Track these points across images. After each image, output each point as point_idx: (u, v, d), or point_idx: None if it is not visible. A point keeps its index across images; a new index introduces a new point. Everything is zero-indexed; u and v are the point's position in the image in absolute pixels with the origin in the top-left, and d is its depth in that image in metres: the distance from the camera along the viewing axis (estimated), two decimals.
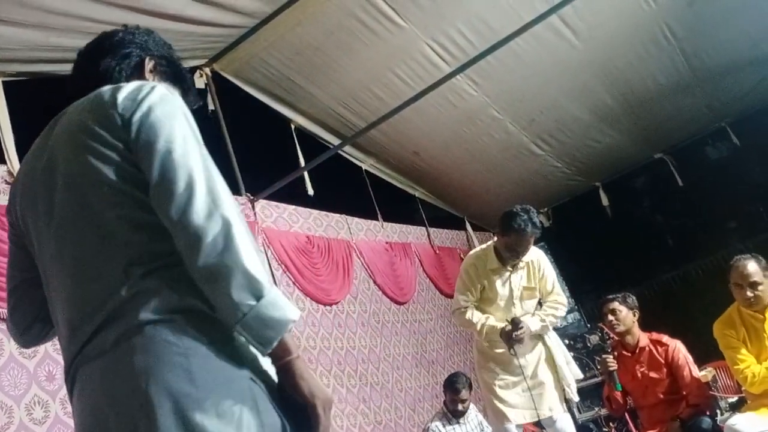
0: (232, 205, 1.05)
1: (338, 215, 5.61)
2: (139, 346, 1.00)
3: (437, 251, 6.57)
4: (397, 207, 6.18)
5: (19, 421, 2.75)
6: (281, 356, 1.04)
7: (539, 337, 3.39)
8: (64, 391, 2.78)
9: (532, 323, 3.31)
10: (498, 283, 3.41)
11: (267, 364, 1.08)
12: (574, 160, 6.38)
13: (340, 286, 5.17)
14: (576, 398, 3.41)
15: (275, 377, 1.08)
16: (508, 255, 3.37)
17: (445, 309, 6.13)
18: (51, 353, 2.94)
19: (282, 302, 1.02)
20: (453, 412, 4.14)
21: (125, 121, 1.11)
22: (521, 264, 3.43)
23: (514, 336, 3.21)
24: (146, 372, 0.98)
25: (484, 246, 3.64)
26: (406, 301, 5.90)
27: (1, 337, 2.83)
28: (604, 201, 6.82)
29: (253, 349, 1.05)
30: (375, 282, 5.64)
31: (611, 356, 3.76)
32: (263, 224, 4.73)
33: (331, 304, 5.02)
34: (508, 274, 3.43)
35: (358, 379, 4.92)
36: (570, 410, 3.35)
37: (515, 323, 3.25)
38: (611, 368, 3.73)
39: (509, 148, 5.96)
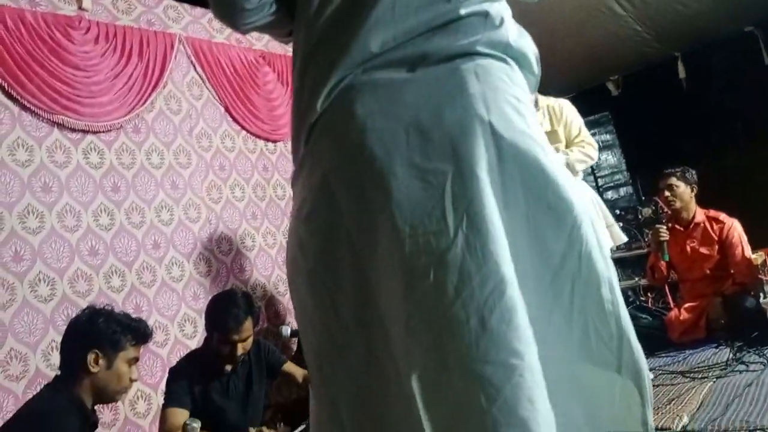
0: None
1: None
2: (468, 72, 0.93)
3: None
4: None
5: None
6: None
7: None
8: (107, 265, 2.91)
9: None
10: None
11: None
12: (655, 25, 5.89)
13: None
14: (620, 241, 3.23)
15: None
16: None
17: None
18: (93, 228, 3.00)
19: None
20: None
21: None
22: (537, 109, 3.20)
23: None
24: (484, 99, 0.91)
25: None
26: None
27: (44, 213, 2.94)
28: (681, 73, 6.38)
29: None
30: None
31: (665, 227, 3.74)
32: None
33: None
34: None
35: None
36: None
37: None
38: (663, 238, 3.71)
39: (586, 5, 5.53)
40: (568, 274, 0.89)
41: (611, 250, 3.23)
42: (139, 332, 1.96)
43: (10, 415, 1.99)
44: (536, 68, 1.04)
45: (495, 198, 0.87)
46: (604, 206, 3.22)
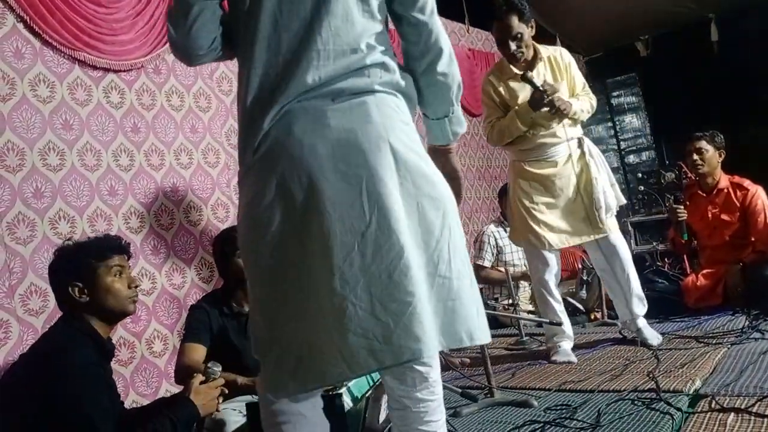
0: None
1: None
2: (373, 104, 1.30)
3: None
4: (486, 12, 5.77)
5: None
6: (448, 145, 1.50)
7: (581, 155, 2.95)
8: (126, 206, 2.93)
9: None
10: (518, 87, 2.96)
11: None
12: None
13: None
14: (621, 202, 3.03)
15: None
16: (506, 53, 2.93)
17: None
18: (113, 168, 3.03)
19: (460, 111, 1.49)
20: (507, 218, 4.21)
21: None
22: (538, 60, 2.95)
23: (546, 100, 2.77)
24: (383, 124, 1.28)
25: (497, 61, 3.17)
26: (480, 114, 5.75)
27: (90, 84, 2.92)
28: (714, 36, 6.19)
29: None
30: None
31: (682, 206, 3.69)
32: None
33: None
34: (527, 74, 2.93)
35: None
36: (624, 233, 3.13)
37: (526, 78, 2.84)
38: (680, 218, 3.67)
39: None
40: (445, 238, 1.31)
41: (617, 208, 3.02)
42: (102, 247, 1.93)
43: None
44: (415, 100, 1.44)
45: (396, 192, 1.25)
46: (608, 167, 3.05)
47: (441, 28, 1.40)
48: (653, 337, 2.94)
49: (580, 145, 2.98)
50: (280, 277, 1.30)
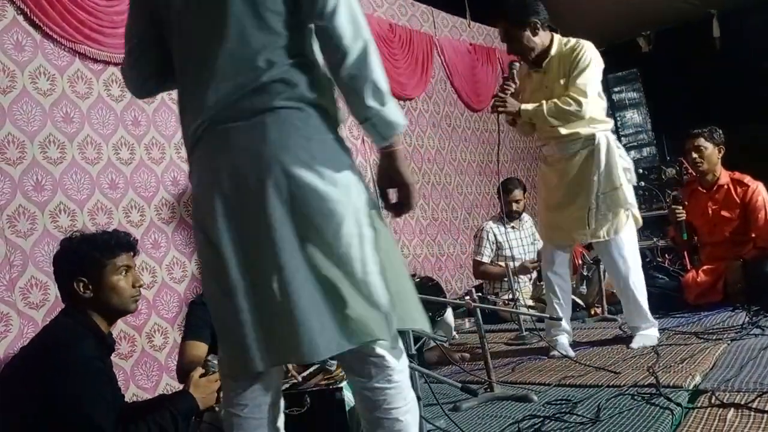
0: (367, 26, 1.33)
1: (424, 6, 5.31)
2: (272, 123, 1.31)
3: (508, 61, 6.25)
4: (486, 6, 5.75)
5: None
6: (389, 147, 1.37)
7: (589, 151, 2.83)
8: (126, 199, 2.94)
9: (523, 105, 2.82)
10: (526, 80, 2.99)
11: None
12: None
13: (417, 82, 5.04)
14: (625, 205, 2.86)
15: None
16: (512, 52, 2.94)
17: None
18: (113, 161, 3.02)
19: (398, 110, 1.35)
20: (508, 214, 4.23)
21: None
22: (548, 56, 2.88)
23: (499, 91, 2.84)
24: (280, 143, 1.30)
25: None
26: (481, 109, 5.75)
27: (91, 77, 2.92)
28: (716, 32, 6.18)
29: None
30: (452, 84, 5.48)
31: (680, 207, 3.69)
32: None
33: (405, 99, 4.94)
34: (538, 76, 2.94)
35: (421, 177, 5.00)
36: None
37: (510, 69, 2.91)
38: (679, 218, 3.68)
39: None
40: (351, 247, 1.32)
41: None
42: (111, 243, 1.92)
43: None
44: (334, 109, 1.42)
45: (283, 208, 1.29)
46: (622, 160, 2.95)
47: (347, 29, 1.30)
48: (636, 345, 2.88)
49: (590, 144, 2.86)
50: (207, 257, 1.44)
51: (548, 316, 2.98)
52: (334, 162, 1.35)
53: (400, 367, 1.39)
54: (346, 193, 1.33)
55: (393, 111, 1.34)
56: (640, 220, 3.01)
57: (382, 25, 4.77)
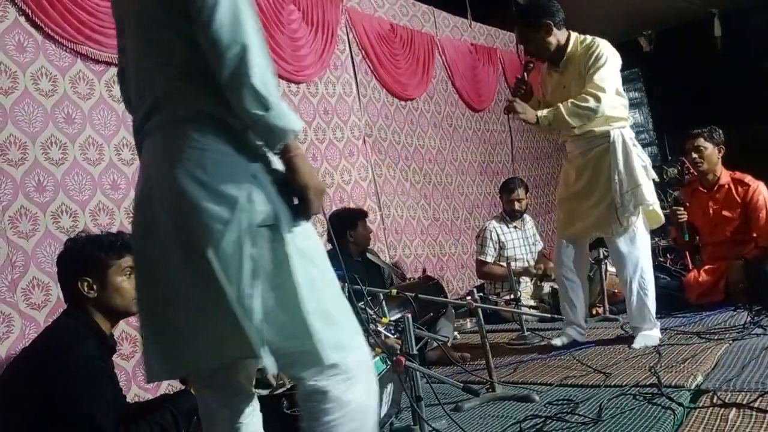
0: (252, 29, 1.27)
1: (425, 6, 5.31)
2: (170, 136, 1.33)
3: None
4: (487, 6, 5.75)
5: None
6: (285, 154, 1.32)
7: (604, 148, 2.84)
8: (128, 200, 2.92)
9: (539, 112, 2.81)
10: (548, 80, 3.08)
11: (277, 162, 1.35)
12: None
13: (418, 82, 5.05)
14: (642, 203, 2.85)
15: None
16: (528, 53, 3.03)
17: (521, 123, 5.97)
18: (115, 162, 3.02)
19: (287, 115, 1.28)
20: (510, 214, 4.25)
21: None
22: (564, 57, 2.89)
23: (511, 98, 2.92)
24: (170, 157, 1.31)
25: None
26: (483, 109, 5.76)
27: (93, 78, 2.92)
28: (717, 31, 6.17)
29: (265, 150, 1.35)
30: (453, 84, 5.48)
31: (681, 208, 3.71)
32: (348, 3, 4.53)
33: (406, 100, 4.95)
34: (557, 75, 2.98)
35: (422, 177, 5.00)
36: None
37: (526, 70, 2.99)
38: (681, 220, 3.69)
39: None
40: (218, 264, 1.28)
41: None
42: (117, 244, 1.93)
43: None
44: (228, 118, 1.34)
45: (171, 223, 1.31)
46: (640, 158, 2.87)
47: (223, 34, 1.24)
48: (638, 345, 2.87)
49: (605, 140, 2.87)
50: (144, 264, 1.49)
51: (549, 316, 3.01)
52: (226, 176, 1.29)
53: (336, 399, 1.31)
54: (231, 210, 1.27)
55: (280, 116, 1.26)
56: (662, 217, 3.04)
57: (383, 25, 4.78)
